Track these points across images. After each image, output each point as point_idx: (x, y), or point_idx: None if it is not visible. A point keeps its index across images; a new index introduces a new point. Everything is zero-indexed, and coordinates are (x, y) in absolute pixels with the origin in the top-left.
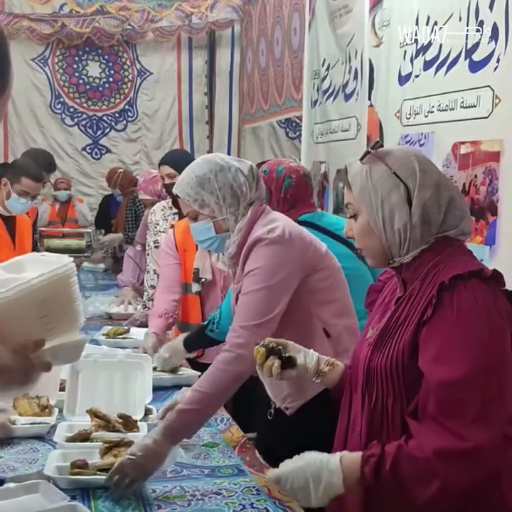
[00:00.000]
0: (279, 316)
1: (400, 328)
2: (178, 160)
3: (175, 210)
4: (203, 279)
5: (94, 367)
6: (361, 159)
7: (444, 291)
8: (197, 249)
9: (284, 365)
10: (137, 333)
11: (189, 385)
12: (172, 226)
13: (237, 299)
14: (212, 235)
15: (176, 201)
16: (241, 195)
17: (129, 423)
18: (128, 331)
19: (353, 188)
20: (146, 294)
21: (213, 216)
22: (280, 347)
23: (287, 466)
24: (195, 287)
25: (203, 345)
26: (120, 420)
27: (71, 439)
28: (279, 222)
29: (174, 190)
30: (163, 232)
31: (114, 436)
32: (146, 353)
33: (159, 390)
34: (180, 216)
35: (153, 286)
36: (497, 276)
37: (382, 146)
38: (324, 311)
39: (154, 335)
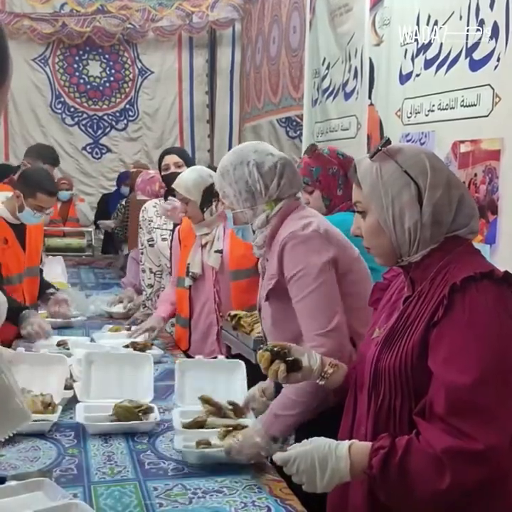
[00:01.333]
0: (342, 309)
1: (410, 328)
2: (183, 153)
3: None
4: (191, 273)
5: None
6: (371, 157)
7: (456, 292)
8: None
9: (290, 369)
10: None
11: None
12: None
13: (267, 297)
14: (232, 224)
15: (170, 196)
16: (255, 191)
17: (237, 410)
18: (129, 330)
19: (363, 185)
20: (144, 293)
21: (232, 208)
22: (285, 350)
23: (295, 448)
24: (187, 281)
25: None
26: (230, 407)
27: (188, 426)
28: (313, 218)
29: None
30: (158, 228)
31: (224, 422)
32: (147, 331)
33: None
34: None
35: (150, 285)
36: (508, 278)
37: (391, 143)
38: (354, 318)
39: (162, 320)
